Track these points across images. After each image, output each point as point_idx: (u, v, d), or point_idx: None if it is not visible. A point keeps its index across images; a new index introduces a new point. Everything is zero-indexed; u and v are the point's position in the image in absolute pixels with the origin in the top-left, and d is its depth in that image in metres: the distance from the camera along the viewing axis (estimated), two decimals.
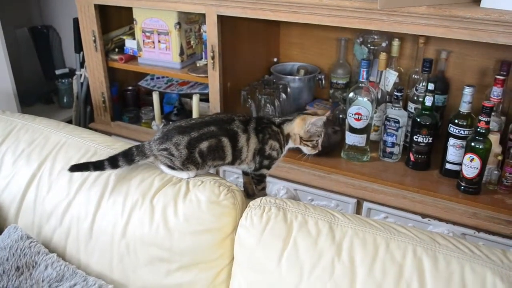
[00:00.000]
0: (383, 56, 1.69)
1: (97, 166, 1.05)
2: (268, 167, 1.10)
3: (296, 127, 1.08)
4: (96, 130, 2.08)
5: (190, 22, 1.83)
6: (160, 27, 1.80)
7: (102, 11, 1.89)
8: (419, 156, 1.58)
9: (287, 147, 1.11)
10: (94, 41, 1.88)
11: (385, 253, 0.80)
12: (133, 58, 1.94)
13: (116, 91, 2.07)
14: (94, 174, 1.12)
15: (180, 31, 1.78)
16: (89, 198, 1.09)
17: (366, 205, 1.55)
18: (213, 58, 1.63)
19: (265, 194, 1.12)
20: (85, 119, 2.35)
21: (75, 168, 1.07)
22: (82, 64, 2.24)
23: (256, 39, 1.91)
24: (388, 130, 1.61)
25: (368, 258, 0.80)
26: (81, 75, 2.24)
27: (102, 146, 1.19)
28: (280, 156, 1.10)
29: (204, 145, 1.00)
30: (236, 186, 1.00)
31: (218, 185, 0.98)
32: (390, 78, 1.75)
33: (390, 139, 1.62)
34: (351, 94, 1.61)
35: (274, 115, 1.11)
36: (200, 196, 0.97)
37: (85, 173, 1.13)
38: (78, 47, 2.19)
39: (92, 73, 1.97)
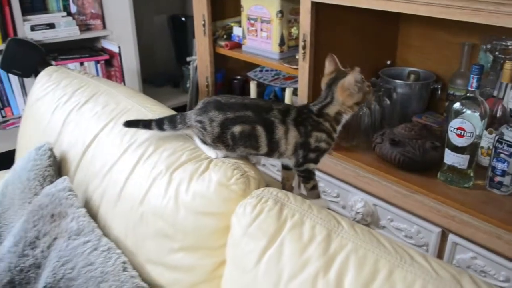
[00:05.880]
0: (508, 65, 1.38)
1: (146, 124, 1.05)
2: (316, 161, 0.95)
3: (344, 98, 0.92)
4: None
5: (295, 13, 1.74)
6: (263, 15, 1.75)
7: None
8: None
9: (339, 128, 0.96)
10: (204, 25, 1.92)
11: (384, 281, 0.61)
12: (238, 45, 1.94)
13: (221, 77, 2.09)
14: (139, 140, 1.11)
15: (282, 20, 1.71)
16: (127, 163, 1.08)
17: (451, 238, 1.28)
18: (304, 48, 1.52)
19: (318, 195, 0.98)
20: (196, 103, 2.43)
21: (128, 124, 1.08)
22: None
23: (367, 37, 1.74)
24: (500, 155, 1.31)
25: (360, 282, 0.62)
26: (195, 60, 2.31)
27: (157, 117, 1.18)
28: (333, 143, 0.96)
29: (237, 129, 0.91)
30: (255, 173, 0.89)
31: (233, 168, 0.88)
32: None
33: (500, 166, 1.32)
34: (457, 105, 1.35)
35: (314, 102, 0.96)
36: (213, 176, 0.88)
37: (133, 139, 1.13)
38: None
39: (200, 58, 2.02)
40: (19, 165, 1.31)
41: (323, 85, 0.96)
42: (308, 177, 0.97)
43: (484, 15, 1.09)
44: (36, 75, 2.30)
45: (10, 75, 2.31)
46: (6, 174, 1.38)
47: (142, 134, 1.12)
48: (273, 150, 0.93)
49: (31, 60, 2.22)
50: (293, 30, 1.76)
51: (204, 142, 0.96)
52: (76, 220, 1.03)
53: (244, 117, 0.90)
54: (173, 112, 1.26)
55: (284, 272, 0.68)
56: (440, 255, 1.32)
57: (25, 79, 2.35)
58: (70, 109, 1.40)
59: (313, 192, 0.97)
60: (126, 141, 1.14)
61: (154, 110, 1.23)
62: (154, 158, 1.03)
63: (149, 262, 0.96)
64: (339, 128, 0.95)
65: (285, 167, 1.01)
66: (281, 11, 1.69)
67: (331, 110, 0.93)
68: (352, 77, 0.89)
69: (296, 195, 0.79)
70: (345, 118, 0.94)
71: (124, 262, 0.93)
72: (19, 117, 2.39)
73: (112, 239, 1.02)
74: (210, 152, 0.97)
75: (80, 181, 1.22)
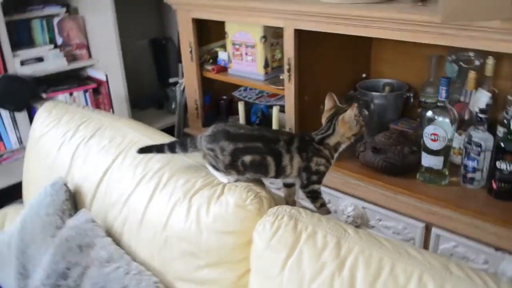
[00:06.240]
0: (472, 75, 1.57)
1: (159, 149, 1.15)
2: (319, 182, 1.08)
3: (344, 130, 1.06)
4: (189, 134, 2.25)
5: (277, 36, 1.89)
6: (247, 40, 1.89)
7: (204, 25, 2.04)
8: (502, 185, 1.42)
9: (336, 155, 1.10)
10: (191, 51, 2.04)
11: (389, 275, 0.76)
12: (224, 69, 2.07)
13: (209, 99, 2.22)
14: (151, 171, 1.22)
15: (265, 44, 1.85)
16: (144, 192, 1.19)
17: (434, 231, 1.44)
18: (289, 70, 1.67)
19: (328, 212, 1.10)
20: (184, 124, 2.54)
21: (141, 150, 1.18)
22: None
23: (343, 55, 1.90)
24: (470, 154, 1.48)
25: (369, 278, 0.76)
26: (182, 83, 2.43)
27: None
28: (330, 167, 1.10)
29: (247, 158, 1.03)
30: (266, 193, 1.03)
31: (247, 190, 1.01)
32: (482, 99, 1.60)
33: (471, 164, 1.49)
34: (429, 113, 1.52)
35: (316, 132, 1.10)
36: (229, 199, 1.01)
37: (145, 170, 1.24)
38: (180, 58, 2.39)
39: (188, 82, 2.14)
40: (36, 201, 1.40)
41: (324, 119, 1.10)
42: (315, 196, 1.09)
43: (450, 38, 1.26)
44: (28, 109, 2.40)
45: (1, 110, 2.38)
46: (22, 211, 1.47)
47: (153, 165, 1.24)
48: (280, 174, 1.06)
49: (23, 94, 2.29)
50: (276, 53, 1.90)
51: (217, 169, 1.08)
52: (105, 249, 1.15)
53: (254, 148, 1.03)
54: (171, 139, 1.37)
55: (305, 276, 0.81)
56: (425, 246, 1.48)
57: (16, 113, 2.41)
58: (76, 144, 1.49)
59: (323, 210, 1.09)
60: (139, 173, 1.25)
61: (158, 139, 1.32)
62: (170, 187, 1.15)
63: (179, 280, 1.08)
64: (336, 155, 1.09)
65: (286, 185, 1.14)
66: (264, 36, 1.83)
67: (332, 141, 1.07)
68: (351, 112, 1.03)
69: (305, 209, 0.93)
70: (342, 147, 1.09)
71: (156, 282, 1.05)
72: (12, 151, 2.46)
73: (139, 263, 1.13)
74: (222, 178, 1.09)
75: (97, 212, 1.32)
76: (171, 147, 1.14)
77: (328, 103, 1.12)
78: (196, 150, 1.11)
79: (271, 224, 0.90)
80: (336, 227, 0.87)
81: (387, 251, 0.79)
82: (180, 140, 1.15)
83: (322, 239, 0.84)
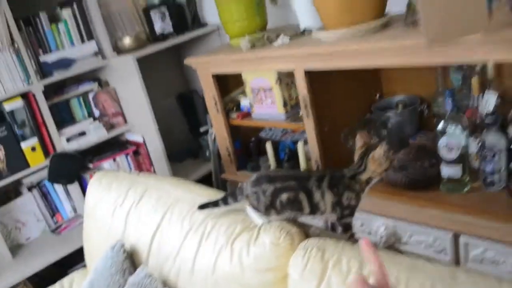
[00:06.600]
0: (474, 80, 1.66)
1: (215, 204, 1.31)
2: (351, 215, 1.20)
3: (375, 167, 1.16)
4: (226, 180, 2.42)
5: (290, 76, 2.04)
6: (264, 85, 2.06)
7: (222, 75, 2.23)
8: None
9: (367, 188, 1.21)
10: (215, 104, 2.23)
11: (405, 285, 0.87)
12: (248, 114, 2.23)
13: (239, 144, 2.38)
14: (196, 222, 1.38)
15: (281, 86, 2.01)
16: (192, 243, 1.36)
17: (462, 239, 1.51)
18: (305, 107, 1.82)
19: (356, 241, 1.17)
20: (220, 170, 2.71)
21: (201, 207, 1.34)
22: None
23: (355, 81, 2.02)
24: (486, 158, 1.57)
25: None
26: (212, 132, 2.61)
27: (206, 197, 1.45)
28: (360, 201, 1.21)
29: (284, 197, 1.17)
30: (296, 229, 1.16)
31: (280, 229, 1.15)
32: (490, 101, 1.69)
33: (488, 167, 1.57)
34: (440, 126, 1.62)
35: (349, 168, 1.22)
36: (265, 239, 1.15)
37: (191, 222, 1.40)
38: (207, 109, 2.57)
39: (218, 131, 2.32)
40: (99, 265, 1.58)
41: (356, 156, 1.21)
42: (347, 228, 1.20)
43: (442, 56, 1.37)
44: (78, 180, 2.63)
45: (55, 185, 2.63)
46: (88, 275, 1.65)
47: (197, 217, 1.40)
48: (314, 211, 1.18)
49: (73, 168, 2.53)
50: (292, 91, 2.05)
51: (257, 210, 1.22)
52: None
53: (289, 187, 1.17)
54: (210, 191, 1.53)
55: None
56: (456, 255, 1.55)
57: (68, 185, 2.65)
58: (128, 208, 1.68)
59: (351, 240, 1.19)
60: (186, 226, 1.41)
61: (200, 193, 1.50)
62: (214, 235, 1.30)
63: None
64: (367, 188, 1.20)
65: None
66: (279, 79, 1.99)
67: (364, 177, 1.18)
68: (381, 150, 1.14)
69: (332, 239, 1.06)
70: (373, 181, 1.19)
71: None
72: (69, 220, 2.69)
73: None
74: (258, 220, 1.23)
75: (154, 266, 1.48)
76: (225, 200, 1.29)
77: (358, 142, 1.23)
78: (244, 198, 1.24)
79: (302, 257, 1.04)
80: (358, 252, 0.99)
81: (402, 267, 0.91)
82: (230, 192, 1.30)
83: (346, 265, 0.97)
